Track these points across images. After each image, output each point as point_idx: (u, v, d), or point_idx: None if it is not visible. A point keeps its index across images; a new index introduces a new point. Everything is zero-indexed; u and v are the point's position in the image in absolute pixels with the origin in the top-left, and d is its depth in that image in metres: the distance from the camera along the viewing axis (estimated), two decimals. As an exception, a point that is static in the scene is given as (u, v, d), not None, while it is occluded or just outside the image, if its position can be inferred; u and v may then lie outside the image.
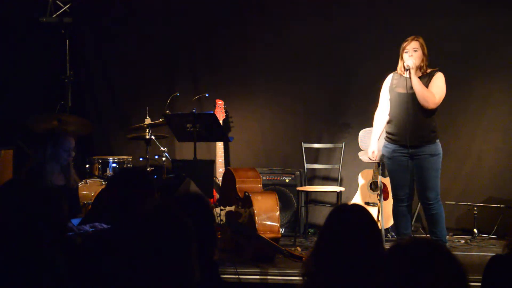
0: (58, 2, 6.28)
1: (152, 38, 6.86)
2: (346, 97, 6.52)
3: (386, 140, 4.87)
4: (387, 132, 4.88)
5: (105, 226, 3.82)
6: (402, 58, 4.80)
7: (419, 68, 4.77)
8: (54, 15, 6.21)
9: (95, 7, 6.82)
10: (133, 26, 6.87)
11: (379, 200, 5.43)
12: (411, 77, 4.67)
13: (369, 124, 6.04)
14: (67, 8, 6.24)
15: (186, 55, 6.84)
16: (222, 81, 6.76)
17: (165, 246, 1.61)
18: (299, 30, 6.59)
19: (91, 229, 3.82)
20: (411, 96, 4.71)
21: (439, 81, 4.78)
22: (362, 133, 5.93)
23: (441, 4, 6.30)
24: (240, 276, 4.15)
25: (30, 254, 1.95)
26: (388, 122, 4.88)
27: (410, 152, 4.74)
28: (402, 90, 4.77)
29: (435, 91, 4.73)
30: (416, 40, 4.75)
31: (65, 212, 2.10)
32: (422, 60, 4.74)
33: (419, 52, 4.73)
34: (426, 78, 4.76)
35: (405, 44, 4.78)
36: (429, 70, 4.79)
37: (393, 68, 5.21)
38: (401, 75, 4.83)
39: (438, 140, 4.80)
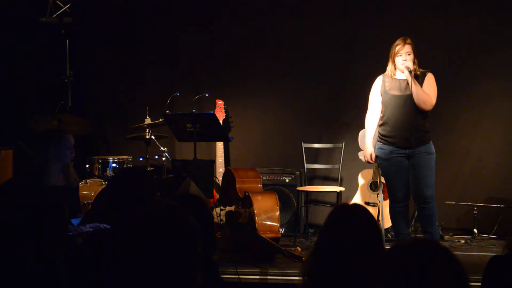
0: (58, 2, 6.27)
1: (152, 37, 6.87)
2: (346, 97, 6.52)
3: (381, 142, 4.85)
4: (381, 135, 4.85)
5: (105, 226, 3.82)
6: (393, 61, 4.77)
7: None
8: (54, 15, 6.20)
9: (95, 7, 6.82)
10: (132, 26, 6.87)
11: (379, 200, 5.42)
12: (411, 80, 4.64)
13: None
14: (67, 8, 6.24)
15: (186, 55, 6.84)
16: (222, 81, 6.76)
17: (171, 247, 1.60)
18: (299, 30, 6.59)
19: (91, 229, 3.82)
20: (407, 98, 4.69)
21: (432, 83, 4.78)
22: (362, 133, 5.93)
23: (442, 5, 6.30)
24: (240, 276, 4.15)
25: (30, 254, 1.95)
26: (382, 125, 4.85)
27: (407, 153, 4.73)
28: (397, 92, 4.76)
29: (431, 92, 4.73)
30: (408, 43, 4.72)
31: (65, 212, 2.09)
32: (414, 62, 4.74)
33: (412, 55, 4.71)
34: (419, 79, 4.74)
35: (397, 48, 4.72)
36: (419, 71, 4.78)
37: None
38: (392, 77, 4.80)
39: (431, 141, 4.81)
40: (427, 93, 4.70)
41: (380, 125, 4.88)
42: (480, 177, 6.25)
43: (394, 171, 4.81)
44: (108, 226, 3.24)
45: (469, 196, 6.16)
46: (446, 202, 6.04)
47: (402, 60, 4.71)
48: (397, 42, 4.76)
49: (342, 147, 6.23)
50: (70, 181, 4.65)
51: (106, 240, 2.47)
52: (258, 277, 4.46)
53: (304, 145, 6.28)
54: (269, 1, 6.72)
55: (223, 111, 6.44)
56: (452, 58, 6.23)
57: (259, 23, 6.68)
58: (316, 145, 6.39)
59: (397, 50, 4.73)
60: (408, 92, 4.70)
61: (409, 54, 4.71)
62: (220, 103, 6.45)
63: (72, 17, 6.22)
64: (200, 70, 6.83)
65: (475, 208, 5.97)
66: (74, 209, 4.45)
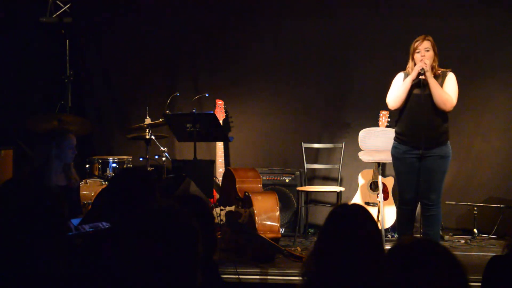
0: (58, 2, 6.29)
1: (152, 38, 6.86)
2: (346, 97, 6.52)
3: (396, 141, 4.76)
4: (397, 133, 4.76)
5: (105, 226, 3.82)
6: (413, 58, 4.66)
7: (431, 68, 4.63)
8: (54, 15, 6.22)
9: (95, 7, 6.82)
10: (133, 26, 6.87)
11: (379, 200, 5.42)
12: (429, 80, 4.54)
13: (369, 124, 6.07)
14: (67, 8, 6.25)
15: (186, 55, 6.84)
16: (222, 81, 6.76)
17: (171, 247, 1.60)
18: (299, 30, 6.59)
19: (91, 229, 3.82)
20: (427, 97, 4.58)
21: (453, 83, 4.66)
22: (362, 133, 5.93)
23: (441, 5, 6.30)
24: (240, 276, 4.15)
25: (30, 254, 1.95)
26: (399, 122, 4.75)
27: (421, 153, 4.63)
28: (416, 91, 4.63)
29: (451, 93, 4.62)
30: (428, 39, 4.61)
31: (65, 212, 2.09)
32: (434, 60, 4.62)
33: (431, 52, 4.60)
34: (439, 79, 4.64)
35: (416, 44, 4.63)
36: (440, 70, 4.68)
37: (394, 68, 5.19)
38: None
39: (448, 142, 4.70)
40: (448, 93, 4.59)
41: (396, 122, 4.80)
42: (480, 177, 6.25)
43: (404, 172, 4.71)
44: (108, 226, 3.24)
45: (469, 196, 6.16)
46: (446, 202, 6.03)
47: (421, 56, 4.59)
48: (417, 38, 4.65)
49: (342, 147, 6.23)
50: (71, 181, 4.66)
51: (106, 240, 2.47)
52: (258, 277, 4.46)
53: (304, 145, 6.28)
54: (269, 1, 6.72)
55: (223, 111, 6.44)
56: (452, 58, 6.21)
57: (260, 23, 6.68)
58: (316, 145, 6.39)
59: (416, 46, 4.63)
60: (427, 91, 4.59)
61: (427, 51, 4.60)
62: (220, 103, 6.44)
63: (72, 17, 6.23)
64: (200, 70, 6.83)
65: (475, 208, 5.98)
66: (74, 209, 4.45)
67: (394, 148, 4.79)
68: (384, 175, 5.93)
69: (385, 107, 6.04)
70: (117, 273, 1.66)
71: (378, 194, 5.59)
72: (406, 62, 4.77)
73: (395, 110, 4.77)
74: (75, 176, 4.73)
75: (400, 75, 4.78)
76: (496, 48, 6.21)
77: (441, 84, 4.64)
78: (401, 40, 6.27)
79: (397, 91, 4.68)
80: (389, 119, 6.04)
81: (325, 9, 6.54)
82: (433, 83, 4.56)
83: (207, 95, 6.47)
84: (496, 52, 6.21)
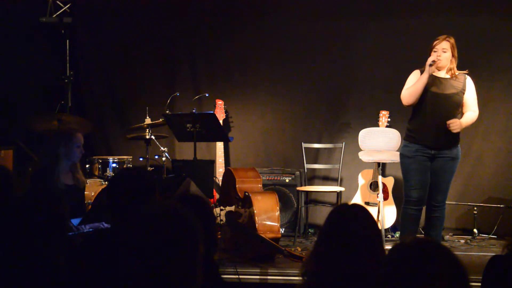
0: (58, 2, 6.28)
1: (152, 38, 6.86)
2: (346, 97, 6.52)
3: (407, 140, 4.71)
4: (410, 130, 4.71)
5: (105, 226, 3.82)
6: (430, 56, 4.62)
7: (448, 69, 4.62)
8: (54, 15, 6.21)
9: (95, 7, 6.82)
10: (133, 26, 6.86)
11: (379, 200, 5.42)
12: (462, 124, 4.57)
13: (369, 124, 6.07)
14: (67, 8, 6.25)
15: (186, 55, 6.83)
16: (222, 81, 6.76)
17: (172, 248, 1.60)
18: (299, 30, 6.59)
19: (91, 229, 3.83)
20: (444, 97, 4.57)
21: (474, 92, 4.68)
22: (362, 133, 5.93)
23: (441, 4, 6.30)
24: (240, 276, 4.15)
25: (30, 254, 1.95)
26: (414, 119, 4.70)
27: (432, 153, 4.61)
28: (436, 90, 4.59)
29: (475, 106, 4.66)
30: (447, 40, 4.57)
31: (66, 212, 2.10)
32: (451, 62, 4.59)
33: (448, 54, 4.56)
34: (459, 83, 4.62)
35: (435, 42, 4.59)
36: (457, 72, 4.65)
37: (394, 68, 5.19)
38: (432, 74, 4.59)
39: (459, 144, 4.69)
40: (473, 113, 4.64)
41: (410, 120, 4.74)
42: (480, 177, 6.24)
43: (414, 169, 4.64)
44: (108, 226, 3.24)
45: (469, 196, 6.16)
46: (446, 202, 6.02)
47: (437, 55, 4.56)
48: (437, 37, 4.62)
49: (342, 147, 6.23)
50: (78, 181, 4.68)
51: (106, 240, 2.47)
52: (258, 277, 4.46)
53: (304, 145, 6.28)
54: (269, 1, 6.72)
55: (223, 111, 6.44)
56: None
57: (260, 23, 6.67)
58: (316, 145, 6.39)
59: (434, 45, 4.60)
60: (447, 92, 4.58)
61: (444, 52, 4.57)
62: (220, 103, 6.44)
63: (72, 17, 6.22)
64: (200, 70, 6.83)
65: (475, 208, 5.98)
66: (78, 210, 4.45)
67: (404, 147, 4.74)
68: (384, 175, 5.93)
69: (385, 107, 6.08)
70: (117, 273, 1.66)
71: (378, 194, 5.59)
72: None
73: (409, 106, 4.68)
74: (82, 176, 4.75)
75: (416, 72, 4.72)
76: (496, 48, 6.21)
77: (461, 88, 4.62)
78: (402, 40, 6.29)
79: (414, 86, 4.59)
80: (389, 119, 6.05)
81: (325, 9, 6.53)
82: (464, 124, 4.60)
83: (207, 95, 6.47)
84: (497, 52, 6.20)
